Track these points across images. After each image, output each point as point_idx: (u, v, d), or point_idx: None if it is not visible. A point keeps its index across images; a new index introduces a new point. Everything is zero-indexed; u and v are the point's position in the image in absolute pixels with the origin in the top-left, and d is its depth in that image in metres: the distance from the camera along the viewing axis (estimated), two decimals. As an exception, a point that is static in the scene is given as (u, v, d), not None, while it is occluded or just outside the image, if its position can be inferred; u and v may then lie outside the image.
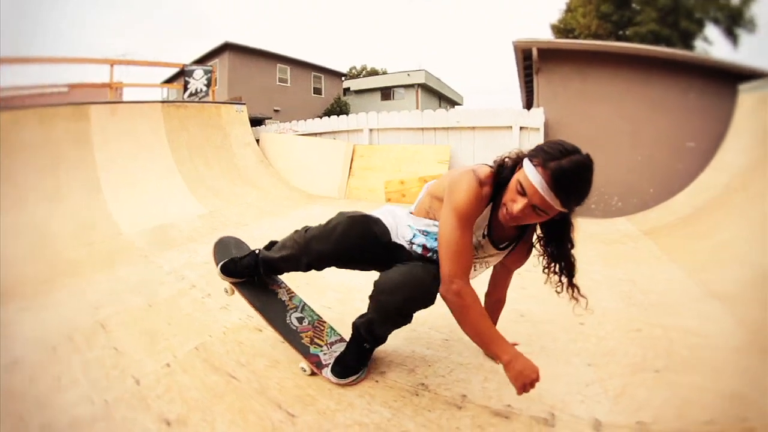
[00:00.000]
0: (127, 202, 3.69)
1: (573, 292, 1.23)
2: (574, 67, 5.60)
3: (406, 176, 5.91)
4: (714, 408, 1.24)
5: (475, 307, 1.09)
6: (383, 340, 1.43)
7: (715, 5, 15.29)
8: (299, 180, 6.28)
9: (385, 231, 1.33)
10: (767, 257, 2.35)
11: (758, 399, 1.28)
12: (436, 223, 1.25)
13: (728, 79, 4.57)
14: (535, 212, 1.06)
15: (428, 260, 1.29)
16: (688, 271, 2.57)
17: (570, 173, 0.99)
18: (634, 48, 5.30)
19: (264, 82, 15.10)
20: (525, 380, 1.01)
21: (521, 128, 5.81)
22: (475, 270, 1.28)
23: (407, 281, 1.17)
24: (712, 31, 15.97)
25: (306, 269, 1.40)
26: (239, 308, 1.97)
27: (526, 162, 1.07)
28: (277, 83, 16.03)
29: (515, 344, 1.35)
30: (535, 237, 1.29)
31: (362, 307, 1.40)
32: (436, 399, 1.35)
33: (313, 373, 1.44)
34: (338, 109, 17.29)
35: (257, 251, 1.59)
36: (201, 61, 12.82)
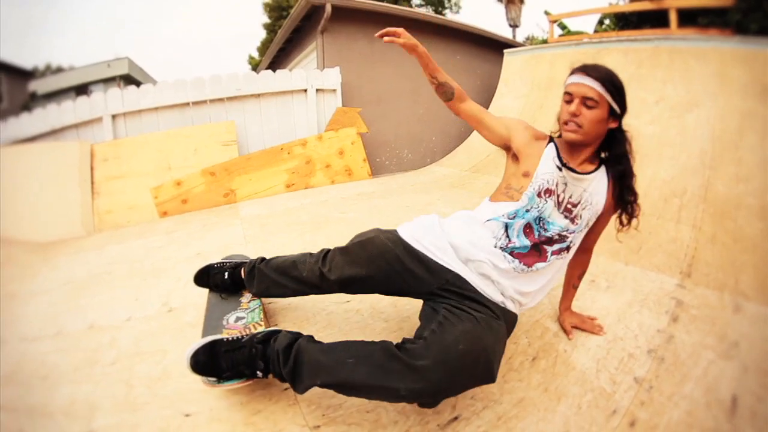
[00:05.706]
0: None
1: (633, 212, 1.33)
2: (360, 28, 5.77)
3: (183, 173, 4.25)
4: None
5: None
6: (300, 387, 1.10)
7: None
8: (12, 221, 3.67)
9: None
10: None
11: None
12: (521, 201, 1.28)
13: (491, 45, 5.84)
14: (585, 106, 1.19)
15: (544, 244, 1.26)
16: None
17: (598, 65, 1.23)
18: (415, 13, 5.94)
19: None
20: None
21: (318, 90, 5.62)
22: (579, 205, 1.28)
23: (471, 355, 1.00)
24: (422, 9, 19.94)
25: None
26: None
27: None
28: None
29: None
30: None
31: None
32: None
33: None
34: (25, 121, 11.54)
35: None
36: None
